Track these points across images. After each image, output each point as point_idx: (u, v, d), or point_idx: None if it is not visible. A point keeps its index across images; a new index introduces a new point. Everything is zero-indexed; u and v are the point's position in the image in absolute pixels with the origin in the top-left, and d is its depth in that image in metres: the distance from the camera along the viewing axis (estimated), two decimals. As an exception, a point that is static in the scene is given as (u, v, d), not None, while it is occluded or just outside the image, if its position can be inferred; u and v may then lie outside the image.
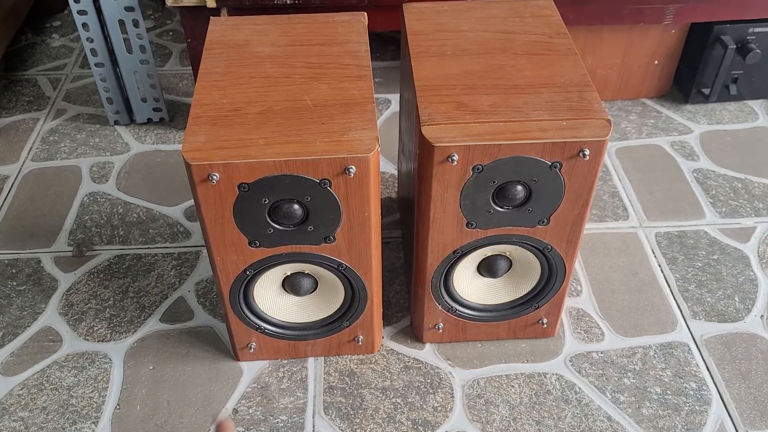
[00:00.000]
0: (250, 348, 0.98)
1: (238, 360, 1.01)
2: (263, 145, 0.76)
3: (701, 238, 1.20)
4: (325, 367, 1.00)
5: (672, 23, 1.34)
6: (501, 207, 0.85)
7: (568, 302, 1.09)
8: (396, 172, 1.31)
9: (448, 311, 0.98)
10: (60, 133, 1.43)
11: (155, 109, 1.42)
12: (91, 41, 1.29)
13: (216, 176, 0.75)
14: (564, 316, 1.07)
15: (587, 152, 0.78)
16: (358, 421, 0.94)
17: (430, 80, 0.85)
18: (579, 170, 0.81)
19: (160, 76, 1.59)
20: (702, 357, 1.02)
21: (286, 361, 1.01)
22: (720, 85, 1.42)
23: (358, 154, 0.76)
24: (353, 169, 0.76)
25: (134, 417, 0.95)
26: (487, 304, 0.99)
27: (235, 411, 0.95)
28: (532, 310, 0.99)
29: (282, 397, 0.97)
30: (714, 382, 0.99)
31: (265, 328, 0.96)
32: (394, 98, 1.51)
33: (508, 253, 0.94)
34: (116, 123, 1.43)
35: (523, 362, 1.01)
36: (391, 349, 1.03)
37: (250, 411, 0.95)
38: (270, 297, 0.95)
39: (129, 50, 1.31)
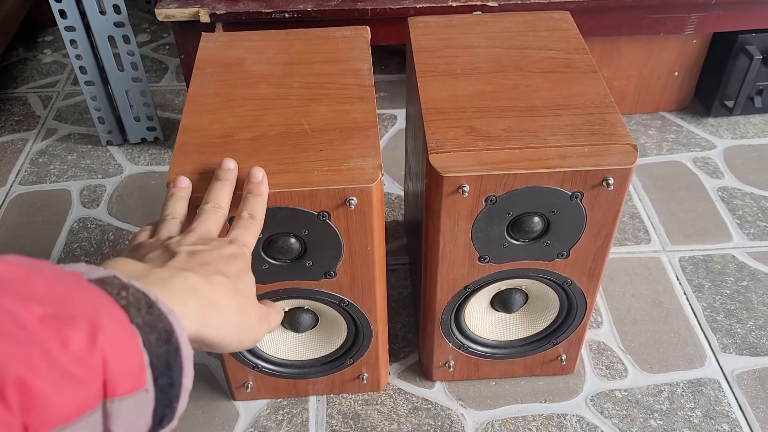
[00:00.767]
0: (247, 387, 0.92)
1: (235, 399, 0.94)
2: (255, 175, 0.70)
3: (729, 263, 1.12)
4: (327, 409, 0.93)
5: (694, 33, 1.27)
6: (516, 240, 0.77)
7: (588, 335, 1.02)
8: (403, 194, 1.24)
9: (459, 348, 0.91)
10: (50, 154, 1.36)
11: (149, 128, 1.35)
12: (80, 58, 1.22)
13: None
14: (584, 350, 1.00)
15: (611, 181, 0.71)
16: (362, 470, 0.87)
17: (437, 102, 0.78)
18: (602, 200, 0.74)
19: (156, 92, 1.53)
20: (734, 395, 0.94)
21: (285, 403, 0.94)
22: (744, 97, 1.34)
23: (359, 185, 0.69)
24: (354, 201, 0.70)
25: (121, 466, 0.88)
26: (501, 340, 0.92)
27: (230, 459, 0.88)
28: (550, 347, 0.91)
29: (281, 443, 0.90)
30: (748, 423, 0.91)
31: (262, 367, 0.89)
32: (400, 114, 1.44)
33: (524, 287, 0.87)
34: (108, 143, 1.37)
35: (540, 402, 0.94)
36: (399, 388, 0.95)
37: (246, 459, 0.88)
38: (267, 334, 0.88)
39: (120, 68, 1.25)
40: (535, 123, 0.75)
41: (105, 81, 1.27)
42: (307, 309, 0.85)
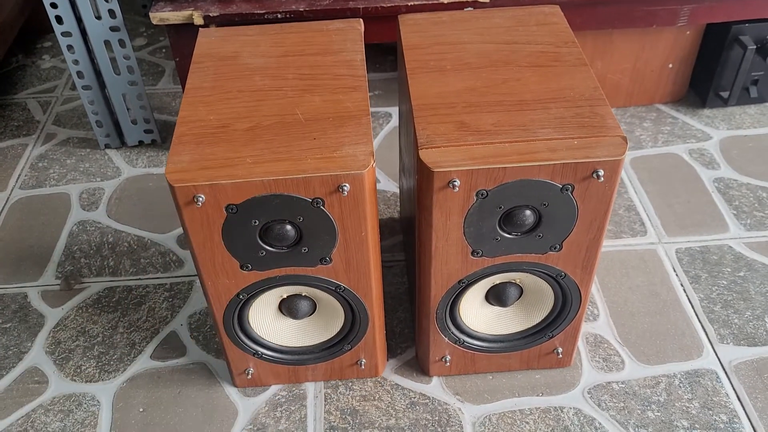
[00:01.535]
0: (248, 374, 0.93)
1: (236, 386, 0.95)
2: (251, 163, 0.71)
3: (725, 254, 1.12)
4: (325, 405, 0.94)
5: (687, 24, 1.27)
6: (509, 233, 0.78)
7: (585, 327, 1.02)
8: (398, 191, 1.24)
9: (455, 343, 0.91)
10: (49, 158, 1.37)
11: (146, 131, 1.36)
12: (77, 63, 1.23)
13: (201, 198, 0.70)
14: (580, 343, 1.00)
15: (601, 173, 0.71)
16: (361, 465, 0.88)
17: (428, 98, 0.78)
18: (593, 192, 0.74)
19: (153, 95, 1.54)
20: (732, 385, 0.94)
21: (283, 399, 0.94)
22: (739, 87, 1.34)
23: (351, 171, 0.70)
24: (347, 187, 0.71)
25: (122, 466, 0.89)
26: (497, 334, 0.92)
27: (230, 457, 0.89)
28: (546, 340, 0.92)
29: (280, 440, 0.91)
30: (746, 413, 0.91)
31: (262, 353, 0.90)
32: (395, 112, 1.44)
33: (518, 281, 0.87)
34: (107, 146, 1.38)
35: (537, 395, 0.94)
36: (396, 384, 0.96)
37: (246, 456, 0.89)
38: (266, 321, 0.89)
39: (116, 71, 1.25)
40: (524, 117, 0.75)
41: (102, 85, 1.28)
42: (305, 296, 0.86)
